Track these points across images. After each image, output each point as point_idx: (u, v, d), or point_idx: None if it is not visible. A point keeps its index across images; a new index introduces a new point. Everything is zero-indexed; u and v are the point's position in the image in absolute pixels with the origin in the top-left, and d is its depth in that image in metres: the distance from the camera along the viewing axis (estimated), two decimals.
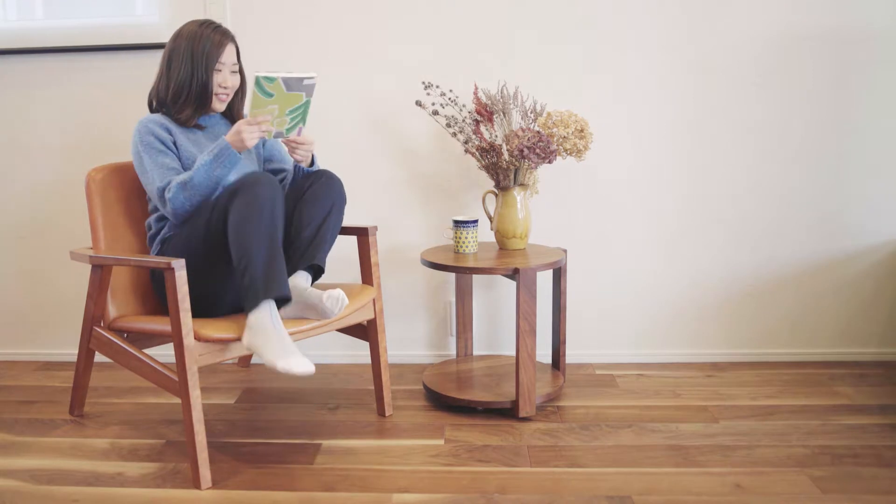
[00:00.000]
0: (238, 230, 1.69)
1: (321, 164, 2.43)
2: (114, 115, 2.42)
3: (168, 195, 1.81)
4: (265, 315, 1.65)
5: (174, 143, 1.90)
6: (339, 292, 1.74)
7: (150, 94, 1.99)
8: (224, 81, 1.94)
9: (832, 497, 1.59)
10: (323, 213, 1.86)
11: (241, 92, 2.04)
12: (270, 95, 1.75)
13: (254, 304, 1.65)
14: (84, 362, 2.02)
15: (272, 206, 1.71)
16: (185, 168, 1.90)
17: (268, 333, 1.63)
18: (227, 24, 2.38)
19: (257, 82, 1.72)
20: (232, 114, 2.05)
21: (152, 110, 1.99)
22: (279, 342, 1.62)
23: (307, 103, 1.84)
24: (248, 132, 1.78)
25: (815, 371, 2.37)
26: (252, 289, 1.65)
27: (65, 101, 2.46)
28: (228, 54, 1.93)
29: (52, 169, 2.50)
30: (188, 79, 1.90)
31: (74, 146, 2.47)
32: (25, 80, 2.46)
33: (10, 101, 2.47)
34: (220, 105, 1.97)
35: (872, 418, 2.00)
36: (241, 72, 2.00)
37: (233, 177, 1.90)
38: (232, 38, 1.94)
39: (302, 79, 1.76)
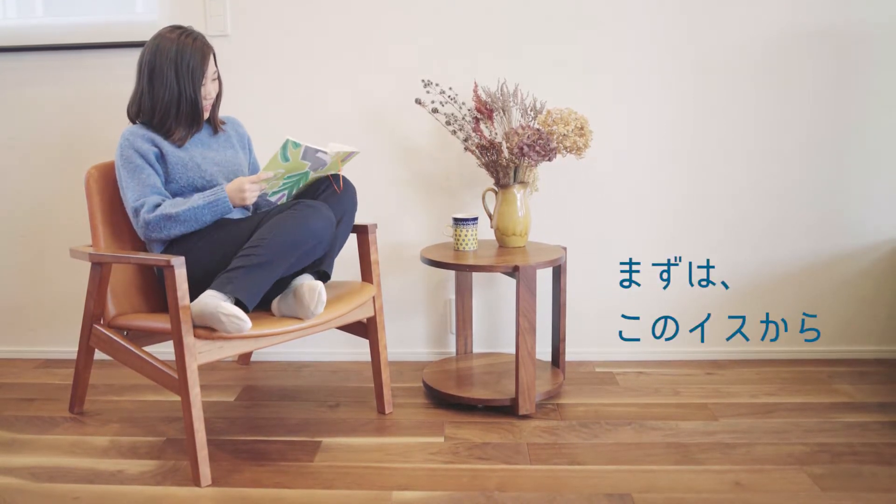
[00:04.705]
0: (270, 229, 1.72)
1: None
2: (113, 113, 2.42)
3: (148, 216, 1.79)
4: (219, 299, 1.65)
5: (160, 156, 1.87)
6: (318, 285, 1.70)
7: (129, 108, 1.94)
8: (209, 94, 1.92)
9: (832, 495, 1.60)
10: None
11: (218, 98, 1.99)
12: (287, 160, 1.75)
13: (220, 288, 1.67)
14: (84, 360, 2.02)
15: (315, 241, 1.74)
16: (173, 177, 1.87)
17: (209, 304, 1.63)
18: (227, 21, 2.38)
19: (284, 145, 1.70)
20: (210, 118, 2.01)
21: (134, 122, 1.95)
22: (217, 308, 1.62)
23: (305, 175, 1.83)
24: (250, 192, 1.79)
25: (815, 369, 2.37)
26: (231, 276, 1.68)
27: (64, 98, 2.46)
28: (211, 65, 1.90)
29: (51, 167, 2.49)
30: (175, 98, 1.86)
31: (74, 144, 2.47)
32: (25, 78, 2.46)
33: (9, 98, 2.47)
34: (205, 115, 1.96)
35: (872, 416, 2.00)
36: (218, 77, 1.97)
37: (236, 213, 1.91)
38: (211, 48, 1.91)
39: (316, 151, 1.76)
